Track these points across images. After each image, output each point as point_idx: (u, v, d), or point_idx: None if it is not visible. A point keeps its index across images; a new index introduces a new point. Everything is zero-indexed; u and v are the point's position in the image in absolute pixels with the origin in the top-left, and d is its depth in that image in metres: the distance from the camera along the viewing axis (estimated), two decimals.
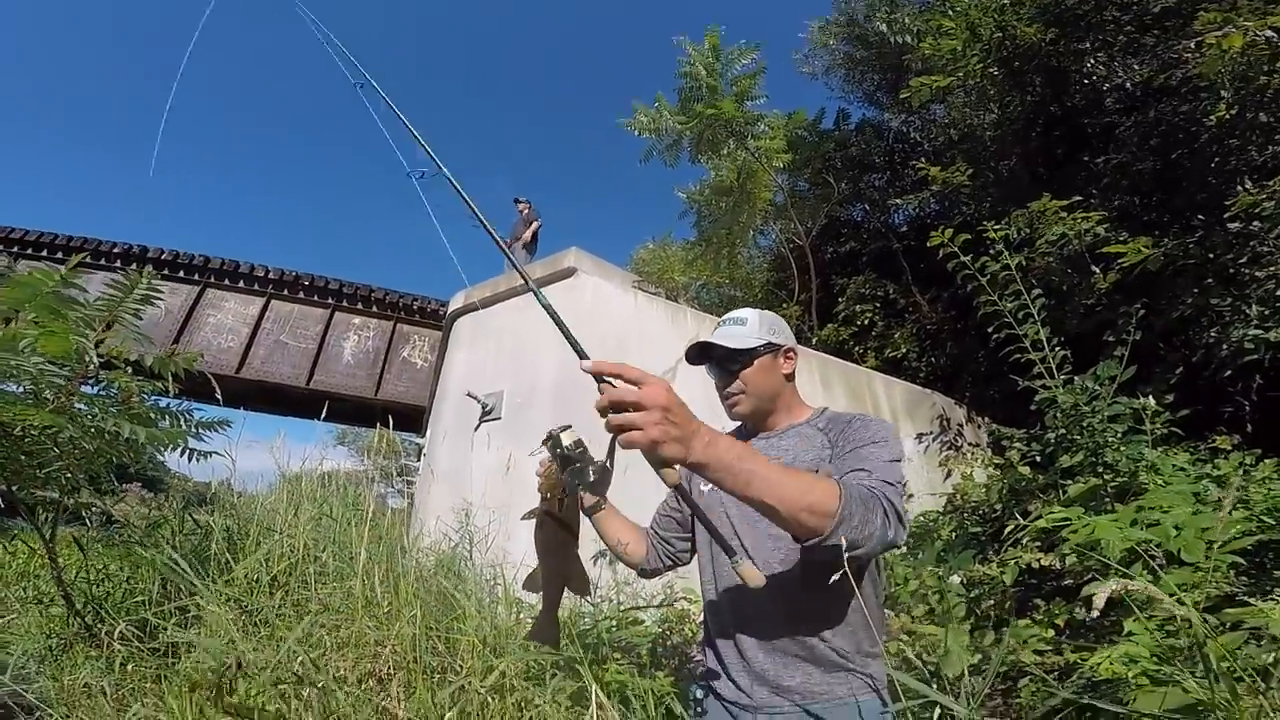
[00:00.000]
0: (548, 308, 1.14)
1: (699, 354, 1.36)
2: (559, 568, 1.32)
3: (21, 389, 2.60)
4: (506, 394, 5.30)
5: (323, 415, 3.95)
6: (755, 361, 1.31)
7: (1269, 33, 3.39)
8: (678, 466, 1.41)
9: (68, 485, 2.71)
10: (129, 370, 3.22)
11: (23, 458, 2.39)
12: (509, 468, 4.36)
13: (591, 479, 1.17)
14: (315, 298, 10.37)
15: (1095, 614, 0.92)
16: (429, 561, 3.03)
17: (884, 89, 8.81)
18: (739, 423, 1.43)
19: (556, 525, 1.27)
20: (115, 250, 9.64)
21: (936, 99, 6.43)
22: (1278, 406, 3.33)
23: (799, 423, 1.33)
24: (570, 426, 1.17)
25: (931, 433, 5.41)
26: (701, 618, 1.44)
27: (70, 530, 2.95)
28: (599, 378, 0.92)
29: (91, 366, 2.80)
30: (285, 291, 10.27)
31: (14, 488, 2.46)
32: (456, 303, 6.62)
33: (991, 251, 3.50)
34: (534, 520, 1.29)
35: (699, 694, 1.35)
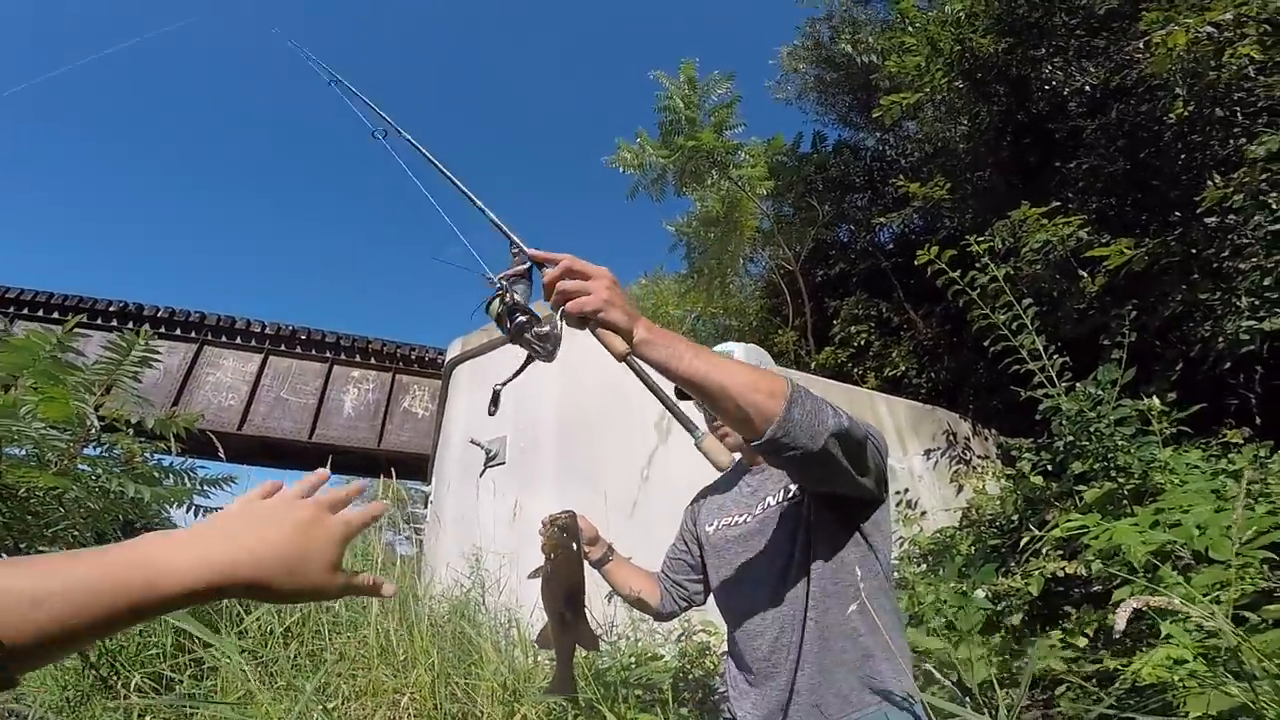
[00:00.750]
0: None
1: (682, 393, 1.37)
2: (566, 625, 1.32)
3: (24, 452, 2.59)
4: (510, 439, 5.26)
5: (329, 466, 3.90)
6: None
7: (1208, 28, 3.48)
8: (687, 516, 1.45)
9: (74, 543, 2.67)
10: (130, 432, 3.22)
11: (29, 518, 2.36)
12: (515, 514, 4.31)
13: (541, 336, 1.12)
14: (313, 351, 10.38)
15: (1119, 632, 0.92)
16: (442, 608, 2.96)
17: (856, 109, 9.01)
18: (736, 456, 1.42)
19: (560, 583, 1.28)
20: (111, 309, 9.66)
21: (908, 115, 6.56)
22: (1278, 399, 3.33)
23: None
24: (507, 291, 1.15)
25: (939, 448, 5.38)
26: (723, 649, 1.41)
27: None
28: (542, 265, 0.97)
29: (93, 430, 2.79)
30: (283, 346, 10.27)
31: (21, 545, 2.42)
32: (454, 350, 6.63)
33: (979, 264, 3.53)
34: (540, 578, 1.30)
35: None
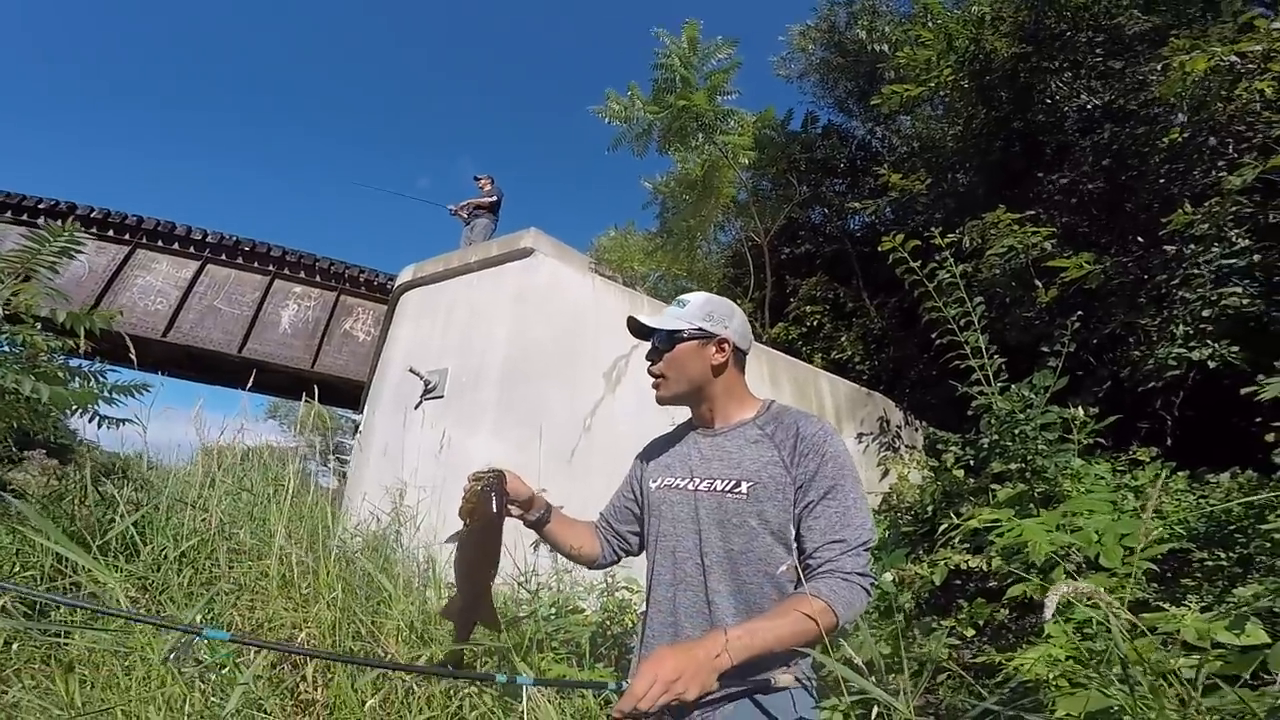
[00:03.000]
0: None
1: (637, 330, 1.32)
2: (472, 599, 1.29)
3: None
4: (451, 372, 5.11)
5: (248, 385, 3.71)
6: (678, 346, 1.27)
7: (1233, 58, 3.52)
8: (635, 466, 1.45)
9: None
10: (38, 326, 2.94)
11: None
12: (443, 445, 4.20)
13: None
14: (255, 264, 9.82)
15: (1049, 618, 0.94)
16: (355, 542, 2.89)
17: (854, 96, 9.00)
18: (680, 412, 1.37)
19: (474, 550, 1.25)
20: (40, 206, 8.88)
21: (905, 109, 6.57)
22: (1195, 425, 3.53)
23: (743, 421, 1.28)
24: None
25: (871, 433, 5.55)
26: (643, 608, 1.39)
27: None
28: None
29: None
30: (223, 256, 9.69)
31: None
32: (405, 276, 6.35)
33: (938, 258, 3.56)
34: (455, 544, 1.26)
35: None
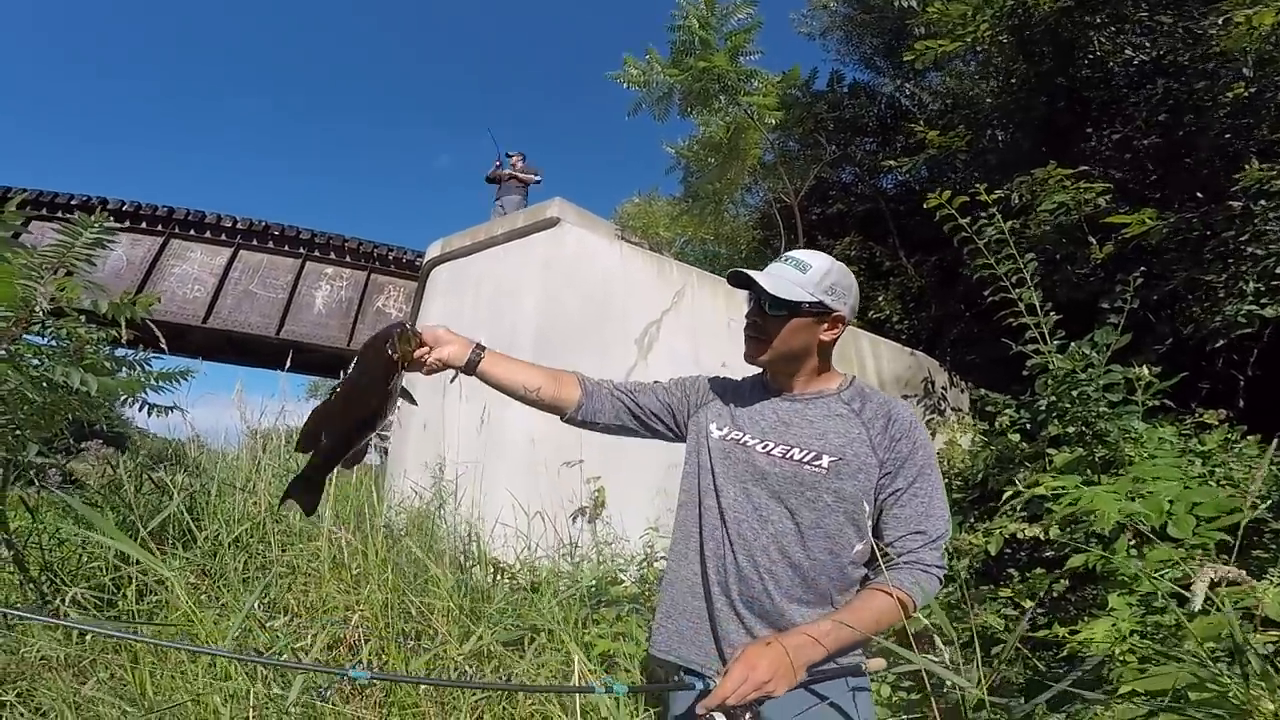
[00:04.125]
0: None
1: (743, 284, 1.20)
2: (330, 449, 1.12)
3: None
4: (484, 343, 5.14)
5: (286, 365, 3.77)
6: (794, 319, 1.15)
7: None
8: (695, 385, 1.35)
9: (16, 442, 2.52)
10: (82, 319, 2.99)
11: None
12: (484, 420, 4.23)
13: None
14: (286, 247, 9.99)
15: (1198, 605, 0.91)
16: (400, 520, 2.93)
17: (881, 53, 8.72)
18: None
19: (351, 391, 1.10)
20: (73, 202, 9.10)
21: (939, 64, 6.32)
22: (1265, 386, 3.35)
23: (826, 392, 1.20)
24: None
25: (916, 395, 5.41)
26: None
27: (20, 491, 2.75)
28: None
29: (38, 313, 2.57)
30: (254, 241, 9.87)
31: None
32: (433, 251, 6.35)
33: (985, 214, 3.41)
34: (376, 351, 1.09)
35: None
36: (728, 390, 1.31)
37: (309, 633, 1.76)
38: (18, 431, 2.59)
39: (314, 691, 1.39)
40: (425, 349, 1.19)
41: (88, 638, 1.73)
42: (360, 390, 1.11)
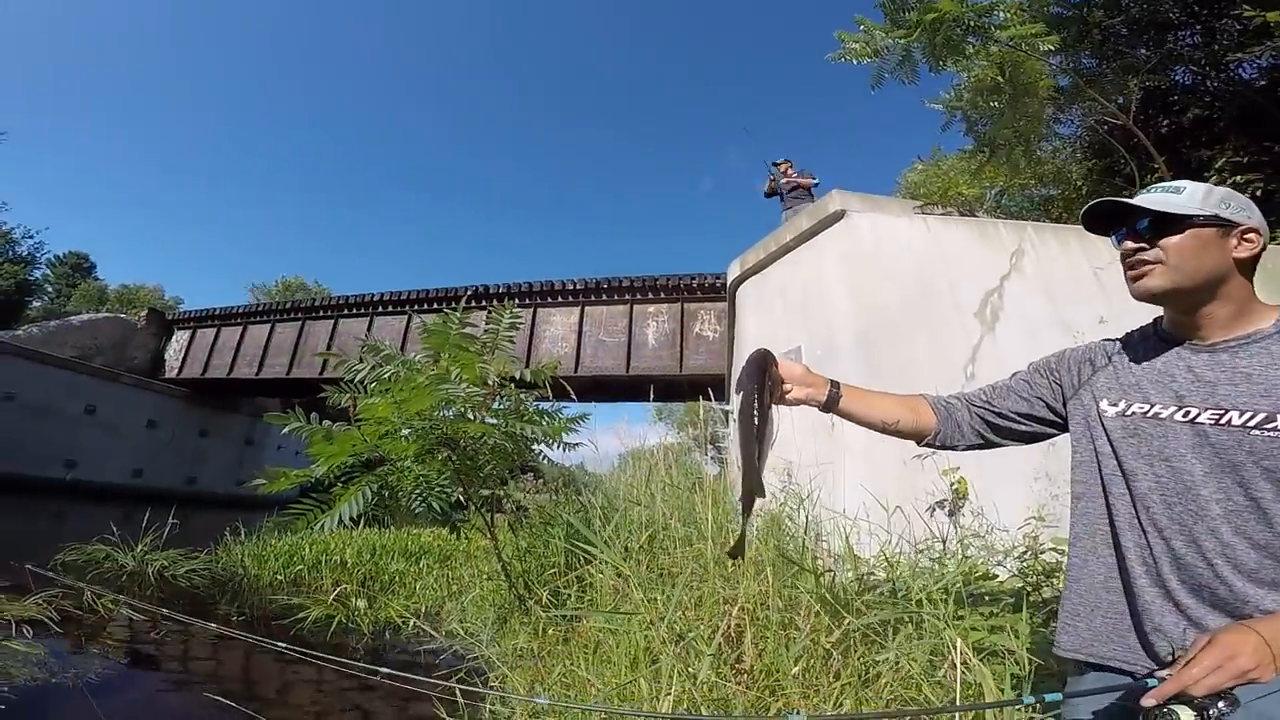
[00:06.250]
0: None
1: (1102, 219, 1.06)
2: (746, 478, 1.20)
3: (452, 413, 3.62)
4: (804, 348, 5.28)
5: (651, 395, 4.53)
6: (1187, 231, 0.97)
7: None
8: (1067, 363, 1.17)
9: (496, 480, 3.68)
10: (511, 385, 4.20)
11: (467, 463, 3.33)
12: (833, 423, 4.38)
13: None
14: (614, 297, 12.02)
15: None
16: (758, 523, 3.25)
17: None
18: (1153, 311, 1.06)
19: (744, 429, 1.18)
20: (468, 293, 12.57)
21: None
22: None
23: (1259, 333, 0.96)
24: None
25: None
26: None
27: (502, 516, 3.99)
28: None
29: (494, 386, 3.72)
30: (593, 297, 12.15)
31: (466, 488, 3.44)
32: (733, 271, 6.83)
33: None
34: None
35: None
36: (1111, 355, 1.11)
37: (697, 621, 2.16)
38: (495, 473, 3.77)
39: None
40: (801, 394, 1.25)
41: (547, 632, 2.45)
42: (749, 428, 1.21)
